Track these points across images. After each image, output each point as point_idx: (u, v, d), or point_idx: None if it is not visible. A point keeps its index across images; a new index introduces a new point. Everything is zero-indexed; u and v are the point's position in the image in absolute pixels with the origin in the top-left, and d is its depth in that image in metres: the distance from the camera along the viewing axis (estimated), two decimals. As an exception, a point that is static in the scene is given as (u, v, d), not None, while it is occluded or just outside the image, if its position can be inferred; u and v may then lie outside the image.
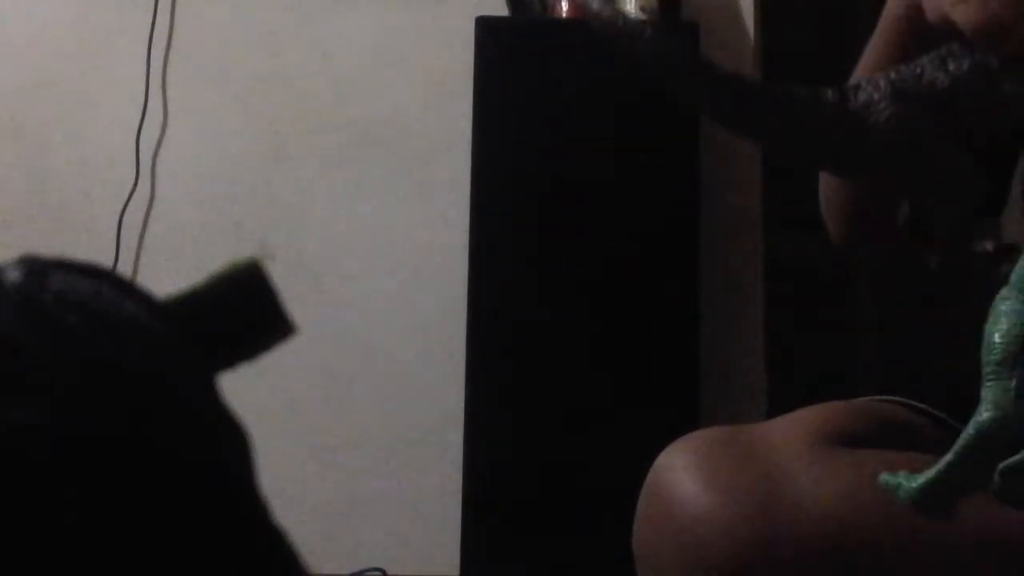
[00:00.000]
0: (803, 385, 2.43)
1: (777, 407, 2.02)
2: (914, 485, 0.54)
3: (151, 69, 2.52)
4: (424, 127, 2.50)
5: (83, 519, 0.28)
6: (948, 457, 0.53)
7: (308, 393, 2.44)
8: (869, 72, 0.71)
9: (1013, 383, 0.50)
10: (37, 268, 0.31)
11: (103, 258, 2.40)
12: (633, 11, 2.33)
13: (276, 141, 2.51)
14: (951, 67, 0.57)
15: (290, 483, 2.37)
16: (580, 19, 2.33)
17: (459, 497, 2.16)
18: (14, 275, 0.31)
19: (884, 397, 0.83)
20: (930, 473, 0.54)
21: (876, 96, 0.57)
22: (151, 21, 2.52)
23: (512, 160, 2.24)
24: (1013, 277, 0.51)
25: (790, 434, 0.73)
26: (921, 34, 0.62)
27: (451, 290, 2.33)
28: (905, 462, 0.72)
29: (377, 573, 2.37)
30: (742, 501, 0.68)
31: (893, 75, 0.58)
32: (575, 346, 2.18)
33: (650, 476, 0.74)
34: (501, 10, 2.37)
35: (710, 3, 2.51)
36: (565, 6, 2.32)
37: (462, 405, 2.18)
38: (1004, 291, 0.51)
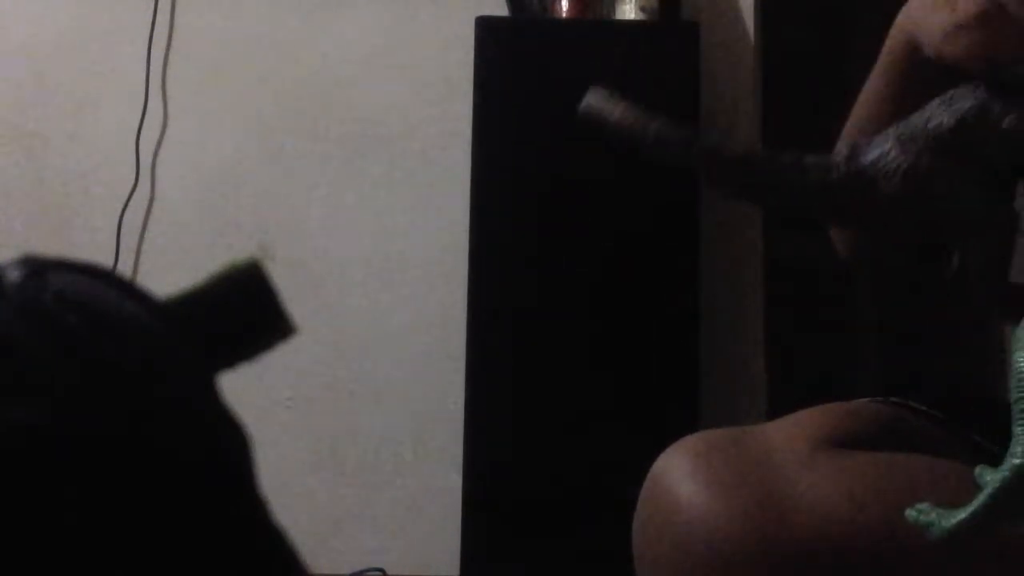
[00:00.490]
0: (803, 385, 2.43)
1: (777, 407, 2.02)
2: (947, 525, 0.53)
3: (151, 69, 2.52)
4: (424, 127, 2.50)
5: (83, 519, 0.28)
6: (983, 499, 0.52)
7: (308, 393, 2.44)
8: (869, 104, 0.71)
9: None
10: (37, 268, 0.31)
11: (103, 258, 2.40)
12: (633, 11, 2.33)
13: (276, 141, 2.51)
14: (955, 107, 0.58)
15: (290, 483, 2.37)
16: (580, 19, 2.33)
17: (459, 497, 2.16)
18: (14, 275, 0.31)
19: (884, 398, 0.83)
20: (963, 514, 0.53)
21: (886, 148, 0.58)
22: (151, 21, 2.52)
23: (512, 160, 2.24)
24: None
25: (790, 436, 0.73)
26: (920, 69, 0.62)
27: (451, 290, 2.33)
28: (905, 464, 0.72)
29: (377, 573, 2.37)
30: (742, 503, 0.68)
31: (901, 126, 0.58)
32: (575, 346, 2.18)
33: (649, 478, 0.74)
34: (501, 10, 2.37)
35: (710, 3, 2.51)
36: (565, 6, 2.32)
37: (462, 405, 2.18)
38: None
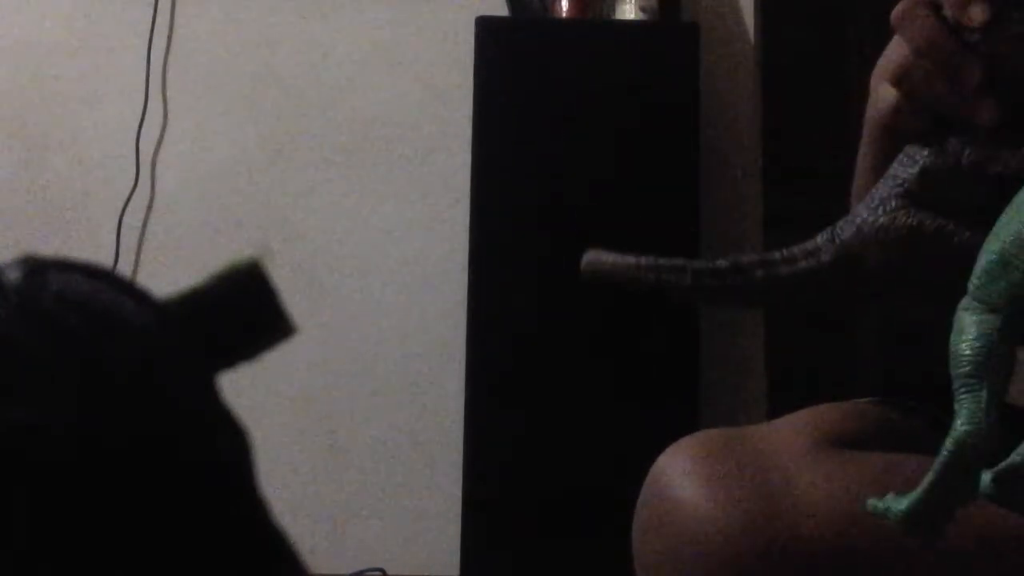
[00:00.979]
0: (803, 385, 2.43)
1: (777, 407, 2.02)
2: (901, 508, 0.54)
3: (151, 69, 2.52)
4: (424, 127, 2.50)
5: (83, 519, 0.28)
6: (929, 477, 0.53)
7: (308, 393, 2.44)
8: (860, 177, 0.73)
9: (984, 393, 0.50)
10: (37, 268, 0.31)
11: (103, 258, 2.40)
12: (633, 11, 2.33)
13: (276, 141, 2.51)
14: (914, 160, 0.59)
15: (290, 483, 2.37)
16: (580, 19, 2.33)
17: (459, 497, 2.16)
18: (14, 275, 0.31)
19: (884, 397, 0.83)
20: (915, 495, 0.54)
21: (863, 219, 0.60)
22: (151, 21, 2.52)
23: (512, 160, 2.24)
24: (970, 287, 0.51)
25: (790, 436, 0.73)
26: (895, 139, 0.63)
27: (451, 290, 2.33)
28: (905, 463, 0.72)
29: (377, 573, 2.37)
30: (741, 503, 0.68)
31: (870, 196, 0.60)
32: (575, 346, 2.18)
33: (649, 478, 0.74)
34: (501, 10, 2.37)
35: (710, 3, 2.51)
36: (565, 6, 2.32)
37: (462, 405, 2.18)
38: (964, 301, 0.52)
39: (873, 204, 0.60)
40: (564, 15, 2.33)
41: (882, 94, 0.62)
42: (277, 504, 0.34)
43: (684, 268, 0.61)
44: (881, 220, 0.59)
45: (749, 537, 0.66)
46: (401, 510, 2.41)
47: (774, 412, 1.69)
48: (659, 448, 0.75)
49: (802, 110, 2.43)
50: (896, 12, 0.60)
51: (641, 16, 2.32)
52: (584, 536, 2.08)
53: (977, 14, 0.57)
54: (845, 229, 0.60)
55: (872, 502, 0.54)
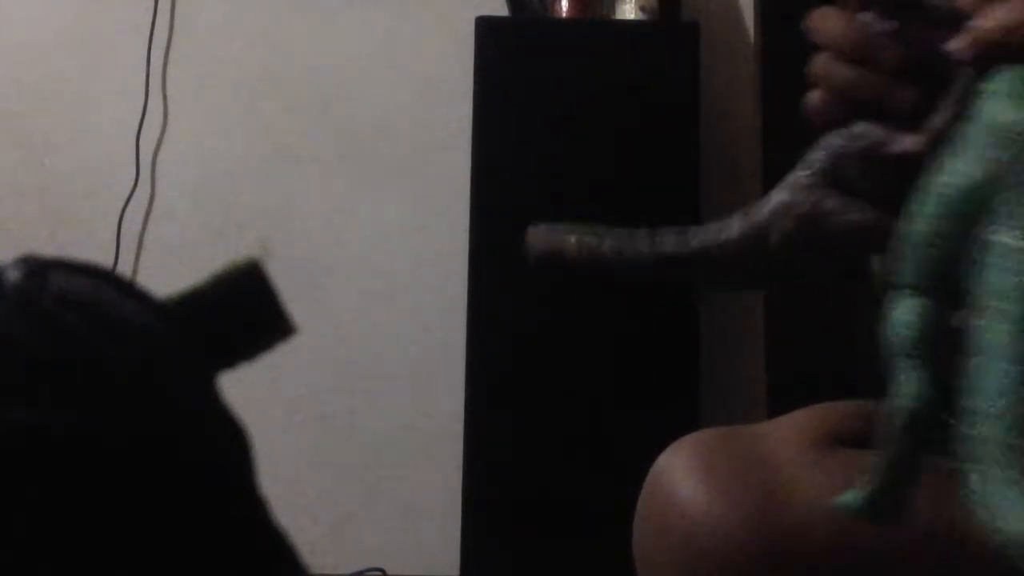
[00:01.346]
0: (803, 385, 2.43)
1: (777, 407, 2.02)
2: (859, 499, 0.55)
3: (151, 69, 2.52)
4: (424, 127, 2.50)
5: (83, 519, 0.28)
6: (875, 460, 0.54)
7: (308, 393, 2.44)
8: None
9: (921, 372, 0.51)
10: (37, 268, 0.31)
11: (103, 258, 2.40)
12: (633, 11, 2.33)
13: (276, 141, 2.51)
14: (832, 142, 0.61)
15: (290, 483, 2.37)
16: (580, 19, 2.33)
17: (459, 497, 2.16)
18: (14, 275, 0.31)
19: (884, 398, 0.82)
20: (868, 482, 0.55)
21: (775, 199, 0.62)
22: (151, 21, 2.52)
23: (512, 160, 2.24)
24: (895, 272, 0.52)
25: (790, 435, 0.73)
26: None
27: (451, 290, 2.33)
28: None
29: (377, 573, 2.37)
30: (742, 502, 0.68)
31: (787, 178, 0.62)
32: (575, 346, 2.18)
33: (649, 477, 0.74)
34: (501, 10, 2.37)
35: (710, 3, 2.51)
36: (565, 6, 2.32)
37: (462, 405, 2.18)
38: (891, 289, 0.53)
39: (784, 185, 0.62)
40: (564, 15, 2.33)
41: (813, 98, 0.64)
42: (277, 504, 0.34)
43: (602, 238, 0.65)
44: (788, 198, 0.61)
45: (749, 536, 0.66)
46: (401, 510, 2.41)
47: (774, 412, 1.69)
48: (659, 448, 0.75)
49: (802, 110, 2.43)
50: (809, 19, 0.63)
51: (641, 16, 2.32)
52: (584, 536, 2.08)
53: None
54: (757, 209, 0.62)
55: (836, 499, 0.55)
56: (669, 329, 2.19)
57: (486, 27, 2.28)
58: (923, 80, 0.58)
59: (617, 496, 0.98)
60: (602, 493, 1.87)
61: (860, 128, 0.60)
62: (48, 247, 2.40)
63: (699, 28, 2.32)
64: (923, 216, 0.51)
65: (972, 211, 0.49)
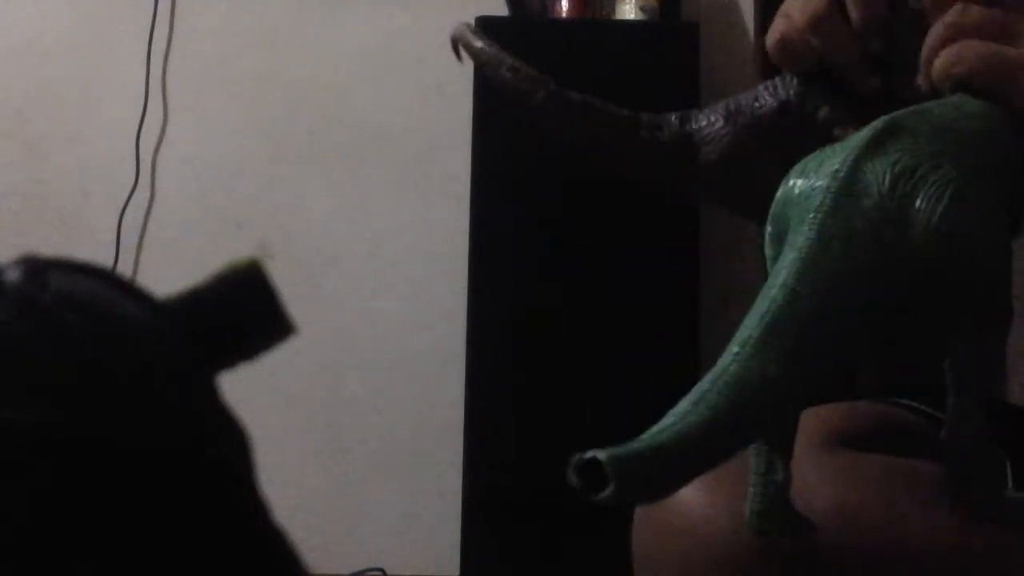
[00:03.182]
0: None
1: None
2: (748, 520, 0.57)
3: (151, 69, 2.52)
4: (424, 127, 2.50)
5: (82, 520, 0.28)
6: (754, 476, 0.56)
7: (308, 393, 2.44)
8: None
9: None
10: (37, 268, 0.31)
11: (103, 258, 2.40)
12: (633, 11, 2.33)
13: (276, 141, 2.51)
14: (780, 93, 0.61)
15: (290, 483, 2.37)
16: (580, 19, 2.33)
17: (459, 497, 2.16)
18: (14, 275, 0.31)
19: (884, 398, 0.83)
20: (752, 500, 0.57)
21: (712, 119, 0.62)
22: (151, 21, 2.52)
23: (512, 160, 2.24)
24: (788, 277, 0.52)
25: (790, 434, 0.73)
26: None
27: (451, 290, 2.33)
28: (906, 465, 0.72)
29: (377, 573, 2.37)
30: (741, 502, 0.68)
31: (730, 101, 0.62)
32: (575, 346, 2.18)
33: (650, 476, 0.73)
34: (501, 10, 2.37)
35: (710, 3, 2.51)
36: (565, 6, 2.32)
37: (462, 405, 2.18)
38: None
39: (726, 110, 0.62)
40: (564, 15, 2.33)
41: (789, 40, 0.63)
42: (277, 504, 0.34)
43: (537, 84, 0.65)
44: (726, 126, 0.61)
45: (746, 535, 0.66)
46: (401, 510, 2.41)
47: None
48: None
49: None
50: None
51: (641, 16, 2.32)
52: (584, 536, 2.08)
53: None
54: (695, 121, 0.62)
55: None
56: (669, 329, 2.19)
57: (486, 27, 2.28)
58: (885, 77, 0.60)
59: (617, 496, 0.98)
60: (602, 493, 1.87)
61: (816, 96, 0.60)
62: (48, 247, 2.40)
63: (699, 28, 2.32)
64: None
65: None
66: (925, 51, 0.59)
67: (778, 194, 0.54)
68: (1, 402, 0.28)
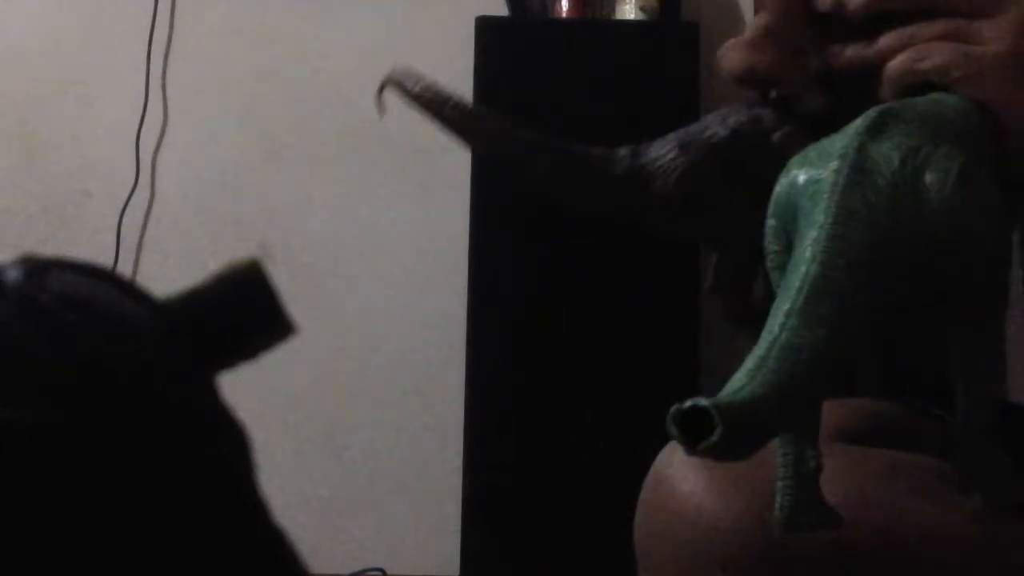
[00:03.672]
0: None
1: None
2: (779, 514, 0.57)
3: (151, 69, 2.52)
4: (424, 127, 2.49)
5: (82, 519, 0.28)
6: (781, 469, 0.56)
7: (308, 393, 2.44)
8: None
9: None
10: (37, 268, 0.31)
11: (103, 258, 2.40)
12: (633, 11, 2.33)
13: (276, 141, 2.51)
14: (730, 121, 0.62)
15: (290, 483, 2.37)
16: (580, 19, 2.33)
17: (459, 497, 2.16)
18: (14, 275, 0.31)
19: (884, 396, 0.83)
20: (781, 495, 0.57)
21: (665, 150, 0.62)
22: (151, 21, 2.52)
23: (512, 160, 2.23)
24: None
25: (790, 434, 0.73)
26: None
27: (451, 290, 2.33)
28: (906, 462, 0.72)
29: (377, 573, 2.37)
30: (743, 500, 0.68)
31: (681, 133, 0.62)
32: (575, 346, 2.18)
33: (651, 475, 0.74)
34: (501, 10, 2.37)
35: (710, 3, 2.51)
36: (565, 6, 2.32)
37: (462, 405, 2.18)
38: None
39: (678, 140, 0.62)
40: (564, 15, 2.33)
41: (732, 57, 0.64)
42: (277, 504, 0.34)
43: (481, 119, 0.65)
44: (679, 157, 0.61)
45: (751, 532, 0.66)
46: (401, 510, 2.41)
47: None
48: (659, 447, 0.75)
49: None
50: None
51: (641, 16, 2.32)
52: (585, 535, 2.08)
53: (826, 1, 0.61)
54: (646, 153, 0.62)
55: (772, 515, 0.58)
56: (669, 328, 2.19)
57: (486, 27, 2.28)
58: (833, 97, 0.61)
59: (617, 495, 0.98)
60: (602, 492, 1.87)
61: (771, 119, 0.61)
62: (48, 247, 2.40)
63: (699, 28, 2.32)
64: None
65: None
66: (878, 53, 0.60)
67: (779, 188, 0.55)
68: (1, 402, 0.28)
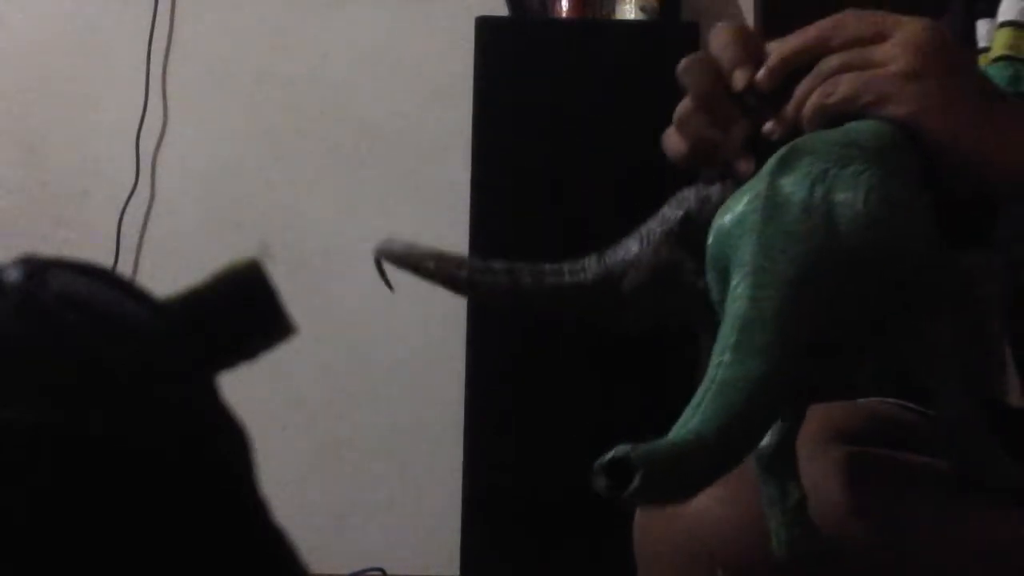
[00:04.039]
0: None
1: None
2: (776, 549, 0.59)
3: (151, 69, 2.52)
4: (424, 127, 2.50)
5: (82, 519, 0.28)
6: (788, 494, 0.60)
7: (308, 393, 2.44)
8: None
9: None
10: (37, 268, 0.31)
11: (103, 258, 2.40)
12: (633, 11, 2.33)
13: (276, 141, 2.51)
14: (682, 205, 0.65)
15: (290, 483, 2.37)
16: (580, 19, 2.33)
17: (459, 497, 2.16)
18: (14, 275, 0.31)
19: (884, 398, 0.83)
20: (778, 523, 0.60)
21: (629, 247, 0.65)
22: (151, 21, 2.52)
23: (512, 160, 2.24)
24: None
25: (791, 434, 0.73)
26: None
27: (451, 290, 2.32)
28: (906, 464, 0.72)
29: (377, 573, 2.37)
30: (742, 501, 0.68)
31: (641, 228, 0.66)
32: (575, 346, 2.18)
33: (650, 476, 0.73)
34: (501, 10, 2.37)
35: (710, 3, 2.51)
36: (565, 6, 2.32)
37: (462, 405, 2.18)
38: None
39: (639, 236, 0.65)
40: (564, 15, 2.33)
41: (671, 139, 0.70)
42: (277, 504, 0.34)
43: (462, 263, 0.67)
44: (642, 250, 0.64)
45: (749, 534, 0.66)
46: (401, 510, 2.41)
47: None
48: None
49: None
50: (682, 63, 0.68)
51: (641, 16, 2.32)
52: (584, 535, 2.08)
53: (739, 79, 0.65)
54: (612, 255, 0.65)
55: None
56: (668, 329, 2.19)
57: (486, 27, 2.28)
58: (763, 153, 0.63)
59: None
60: (602, 493, 1.87)
61: (717, 194, 0.64)
62: (48, 247, 2.40)
63: (699, 28, 2.32)
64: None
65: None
66: (795, 105, 0.64)
67: (709, 239, 0.59)
68: (1, 402, 0.28)
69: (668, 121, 0.71)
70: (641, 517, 0.75)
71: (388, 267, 0.68)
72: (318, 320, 2.40)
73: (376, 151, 2.50)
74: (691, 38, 2.29)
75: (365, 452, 2.43)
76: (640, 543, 0.75)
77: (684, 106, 0.68)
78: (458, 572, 2.14)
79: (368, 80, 2.52)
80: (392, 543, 2.40)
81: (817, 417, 0.75)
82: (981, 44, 0.86)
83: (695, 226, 0.63)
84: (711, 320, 0.60)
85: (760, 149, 0.64)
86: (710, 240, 0.58)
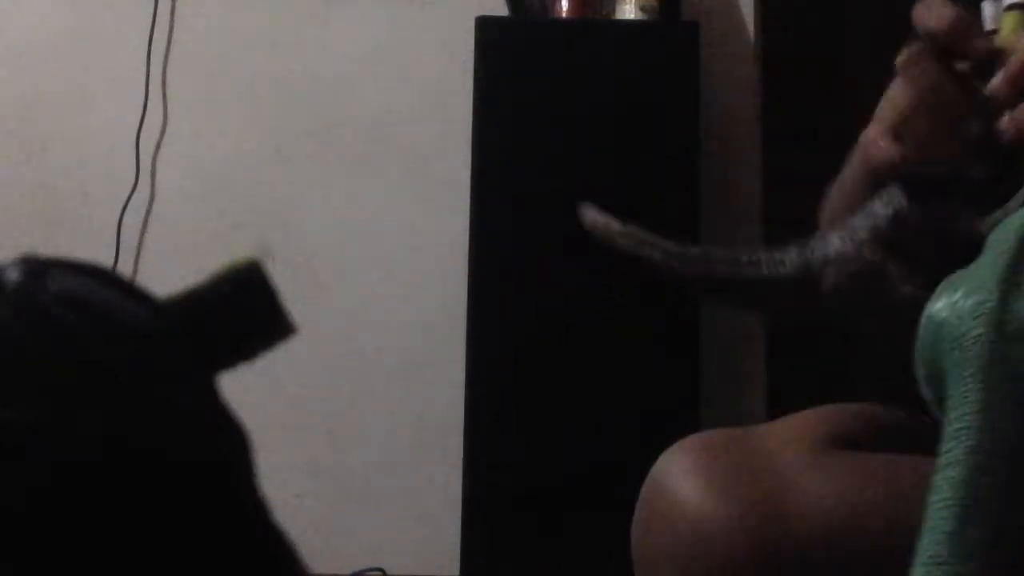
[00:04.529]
0: (803, 386, 2.43)
1: (777, 407, 2.02)
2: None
3: (151, 69, 2.52)
4: (424, 127, 2.50)
5: (82, 519, 0.28)
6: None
7: (308, 393, 2.44)
8: (839, 197, 0.75)
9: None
10: (37, 268, 0.31)
11: (103, 258, 2.40)
12: (633, 11, 2.33)
13: (276, 141, 2.51)
14: (892, 204, 0.61)
15: (290, 483, 2.37)
16: (580, 19, 2.33)
17: (459, 497, 2.16)
18: (14, 275, 0.31)
19: (884, 399, 0.83)
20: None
21: (834, 244, 0.62)
22: (151, 21, 2.52)
23: (512, 160, 2.24)
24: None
25: (790, 437, 0.73)
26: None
27: (451, 290, 2.33)
28: (906, 466, 0.72)
29: (377, 573, 2.37)
30: (742, 504, 0.68)
31: (848, 223, 0.62)
32: (575, 346, 2.18)
33: (649, 479, 0.74)
34: (501, 10, 2.37)
35: (710, 3, 2.50)
36: (565, 6, 2.32)
37: (462, 405, 2.18)
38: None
39: (846, 233, 0.62)
40: (564, 15, 2.33)
41: (882, 147, 0.61)
42: (277, 504, 0.34)
43: (655, 244, 0.66)
44: (848, 248, 0.61)
45: (746, 536, 0.66)
46: (401, 510, 2.41)
47: (774, 412, 1.69)
48: (659, 448, 0.75)
49: (802, 110, 2.43)
50: (903, 57, 0.60)
51: (641, 16, 2.32)
52: (584, 536, 2.08)
53: (998, 87, 0.57)
54: (815, 249, 0.62)
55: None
56: (669, 329, 2.19)
57: (486, 27, 2.28)
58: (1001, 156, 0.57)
59: (617, 496, 0.98)
60: (602, 493, 1.87)
61: (933, 199, 0.59)
62: (48, 247, 2.40)
63: (699, 28, 2.32)
64: None
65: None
66: None
67: (922, 324, 0.49)
68: (1, 402, 0.28)
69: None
70: (639, 518, 0.75)
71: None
72: (318, 320, 2.40)
73: (376, 151, 2.50)
74: (691, 38, 2.29)
75: (365, 452, 2.43)
76: (638, 544, 0.75)
77: (907, 107, 0.60)
78: (458, 572, 2.14)
79: (368, 80, 2.52)
80: (392, 543, 2.40)
81: (818, 421, 0.75)
82: (987, 27, 0.84)
83: (905, 227, 0.59)
84: (911, 331, 0.51)
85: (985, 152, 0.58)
86: (922, 328, 0.49)
